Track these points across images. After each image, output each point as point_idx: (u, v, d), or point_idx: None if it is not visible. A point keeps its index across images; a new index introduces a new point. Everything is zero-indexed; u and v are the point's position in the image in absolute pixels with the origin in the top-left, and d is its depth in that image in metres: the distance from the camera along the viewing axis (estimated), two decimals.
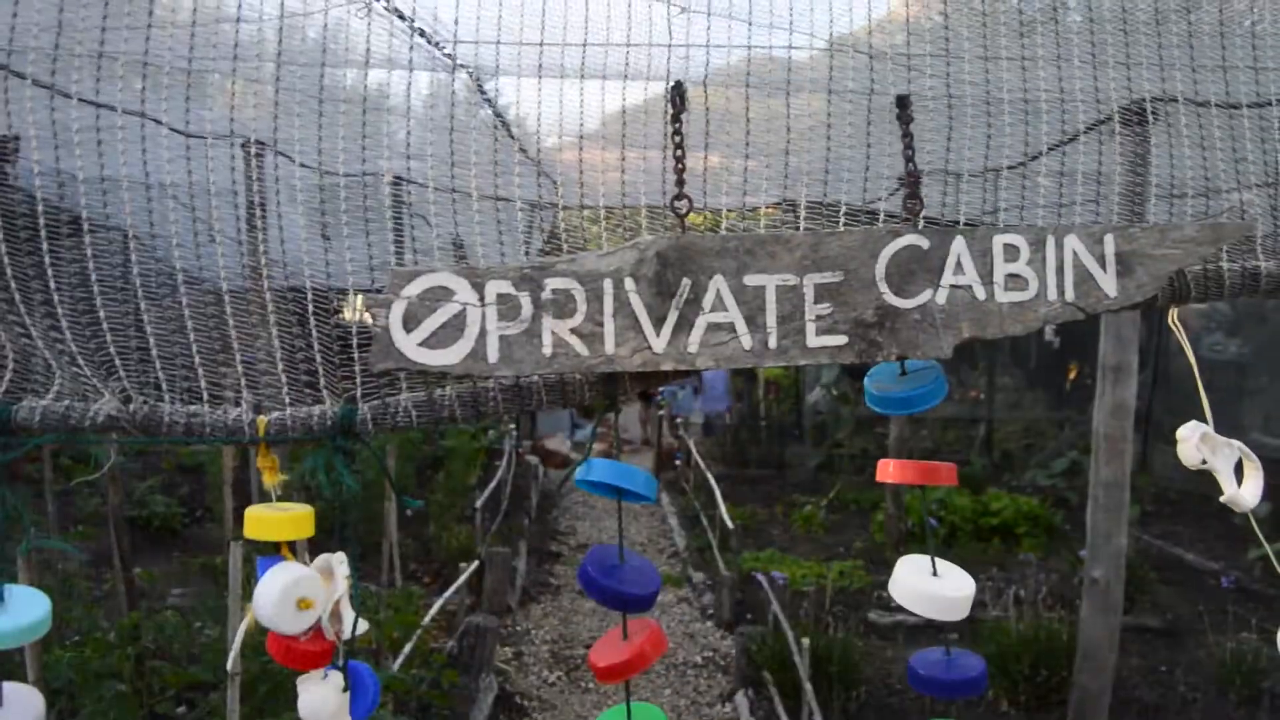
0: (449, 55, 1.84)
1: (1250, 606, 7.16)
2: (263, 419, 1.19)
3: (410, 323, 1.23)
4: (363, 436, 1.21)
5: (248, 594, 4.57)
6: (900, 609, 7.04)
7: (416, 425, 1.21)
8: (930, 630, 6.75)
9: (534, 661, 6.77)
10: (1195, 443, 1.33)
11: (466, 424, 1.23)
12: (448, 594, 6.15)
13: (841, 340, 1.21)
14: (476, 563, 6.93)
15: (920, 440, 12.66)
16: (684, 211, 1.31)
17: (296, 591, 1.15)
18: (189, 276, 1.37)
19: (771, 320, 1.20)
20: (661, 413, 12.87)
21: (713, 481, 8.99)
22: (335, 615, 1.21)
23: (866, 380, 1.39)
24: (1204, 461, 1.34)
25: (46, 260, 1.31)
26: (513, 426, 11.83)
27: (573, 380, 1.24)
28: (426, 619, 5.55)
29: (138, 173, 1.58)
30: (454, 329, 1.21)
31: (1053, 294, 1.23)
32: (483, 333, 1.20)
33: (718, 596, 7.56)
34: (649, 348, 1.20)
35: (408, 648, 5.04)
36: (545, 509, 11.12)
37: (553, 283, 1.22)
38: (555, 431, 14.60)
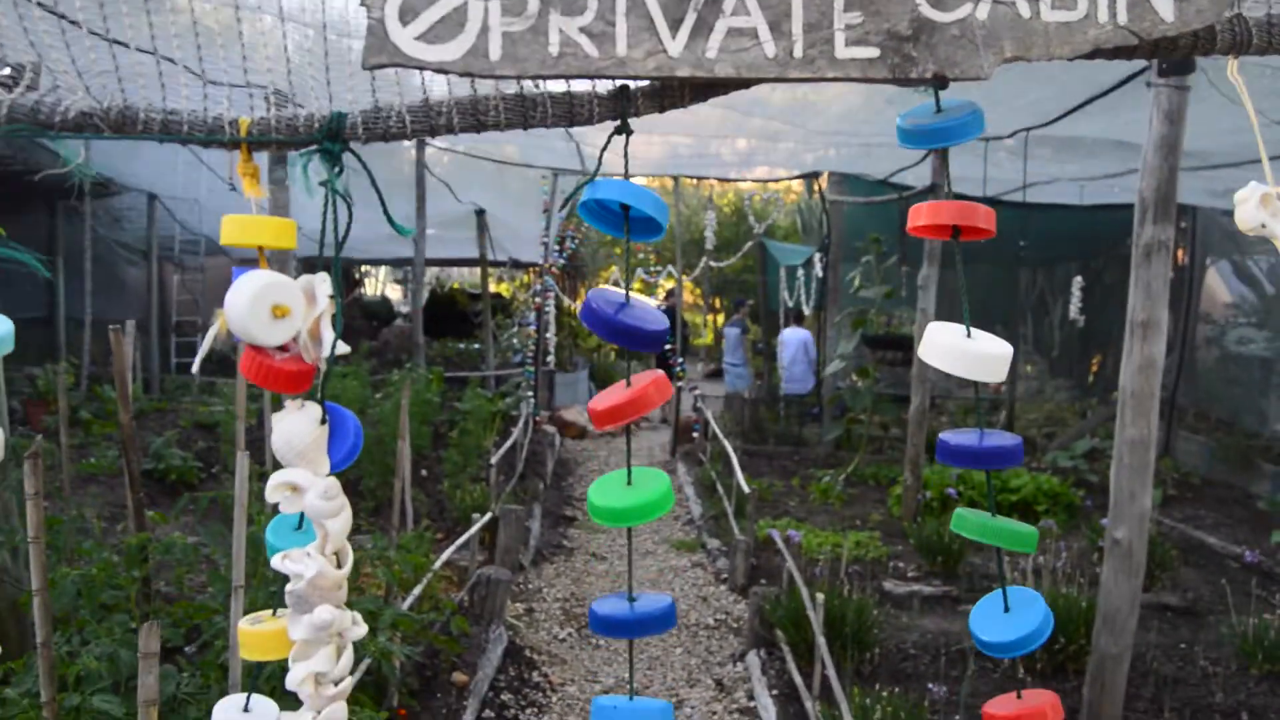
0: None
1: (1273, 589, 7.03)
2: (245, 119, 1.11)
3: (407, 15, 1.13)
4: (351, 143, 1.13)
5: (251, 509, 4.50)
6: (916, 579, 6.93)
7: (411, 133, 1.12)
8: (948, 600, 6.66)
9: (545, 618, 6.71)
10: (1255, 204, 1.22)
11: (465, 132, 1.12)
12: (460, 542, 6.10)
13: (873, 53, 1.12)
14: (489, 515, 6.87)
15: (940, 425, 12.54)
16: None
17: (271, 296, 1.06)
18: None
19: (797, 27, 1.11)
20: (681, 383, 12.78)
21: (730, 449, 8.91)
22: (315, 338, 1.13)
23: (899, 119, 1.29)
24: (1263, 226, 1.23)
25: None
26: (530, 394, 11.78)
27: (581, 98, 1.15)
28: (437, 564, 5.49)
29: None
30: (454, 23, 1.11)
31: (1103, 15, 1.14)
32: (485, 29, 1.10)
33: (732, 561, 7.47)
34: (664, 51, 1.11)
35: (417, 590, 4.98)
36: (561, 476, 11.06)
37: None
38: (573, 403, 14.53)
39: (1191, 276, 12.26)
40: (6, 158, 11.97)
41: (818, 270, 13.29)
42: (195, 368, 1.32)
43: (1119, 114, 6.31)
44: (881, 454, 11.43)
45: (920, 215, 1.32)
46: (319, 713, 1.22)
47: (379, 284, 29.46)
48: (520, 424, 10.20)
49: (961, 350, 1.31)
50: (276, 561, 1.21)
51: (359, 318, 22.57)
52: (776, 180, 13.12)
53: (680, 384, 12.75)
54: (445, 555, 5.67)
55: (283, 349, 1.13)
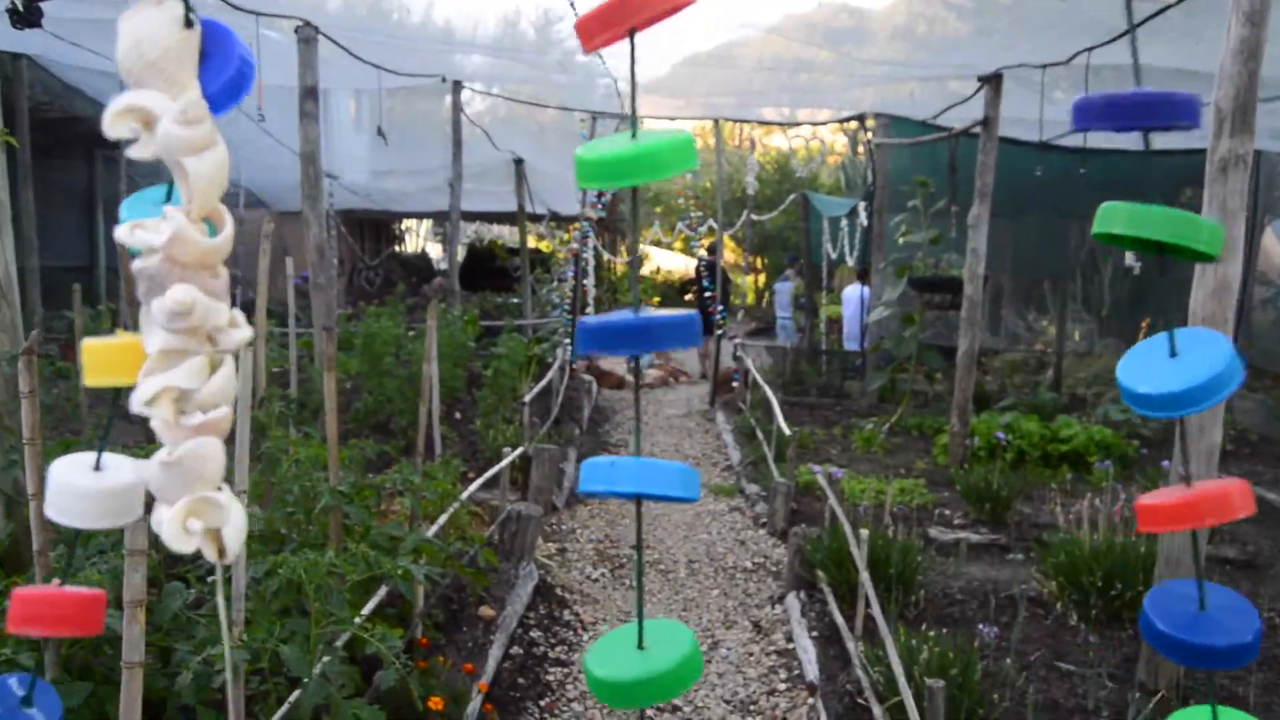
0: None
1: None
2: None
3: None
4: None
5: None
6: (962, 525, 6.66)
7: None
8: (995, 548, 6.41)
9: (578, 558, 6.55)
10: None
11: None
12: (489, 475, 5.91)
13: None
14: (520, 449, 6.68)
15: (984, 382, 12.22)
16: None
17: None
18: None
19: None
20: (720, 332, 12.52)
21: (770, 394, 8.68)
22: None
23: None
24: None
25: None
26: (567, 340, 11.59)
27: None
28: (465, 494, 5.31)
29: None
30: None
31: None
32: None
33: (771, 505, 7.26)
34: None
35: (442, 519, 4.80)
36: (598, 423, 10.88)
37: None
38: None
39: (1251, 234, 11.80)
40: (45, 104, 11.90)
41: (862, 220, 12.94)
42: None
43: (1190, 33, 5.93)
44: (926, 406, 11.13)
45: None
46: (175, 449, 0.85)
47: (419, 240, 29.33)
48: (556, 367, 10.00)
49: None
50: (124, 234, 0.86)
51: (398, 272, 22.47)
52: (820, 124, 12.77)
53: (720, 332, 12.50)
54: (473, 487, 5.49)
55: None
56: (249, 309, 15.13)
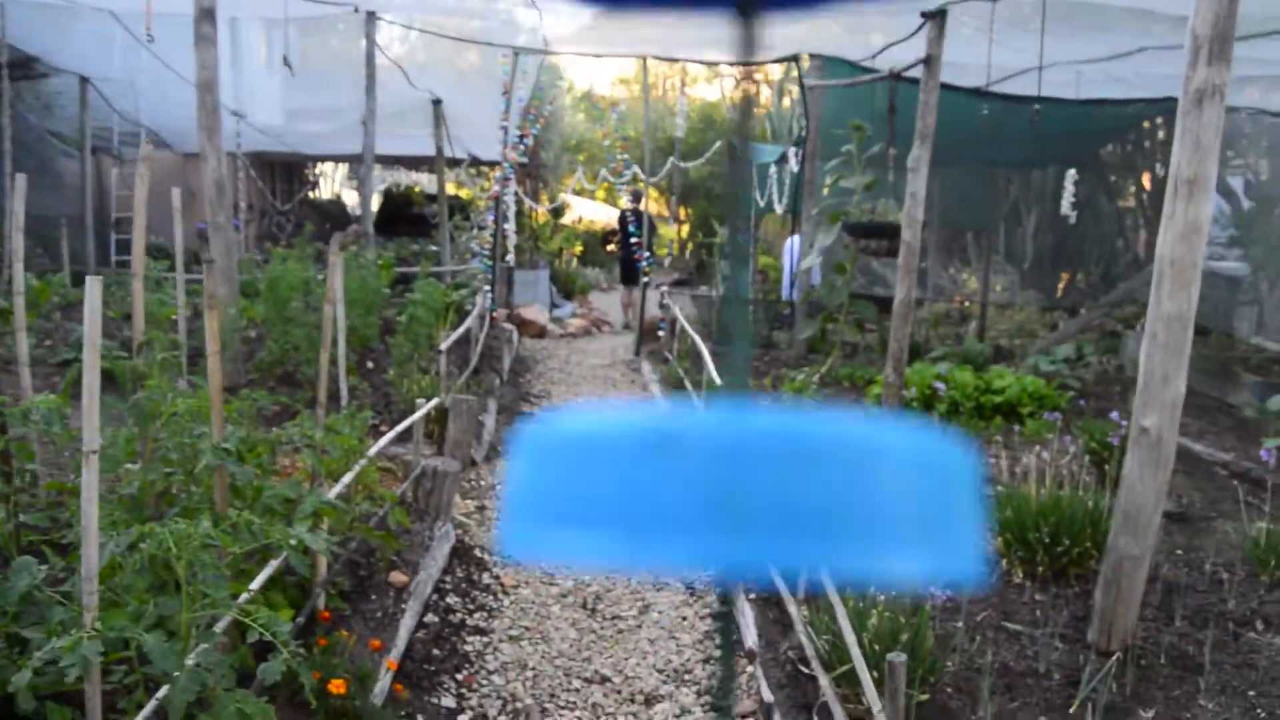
0: None
1: (1263, 496, 6.62)
2: None
3: None
4: None
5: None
6: None
7: None
8: None
9: (498, 516, 6.13)
10: None
11: None
12: (401, 428, 5.45)
13: None
14: (436, 400, 6.23)
15: (912, 335, 12.03)
16: None
17: None
18: None
19: None
20: (647, 279, 12.11)
21: (700, 343, 8.34)
22: None
23: None
24: None
25: None
26: (487, 288, 11.08)
27: None
28: (373, 450, 4.84)
29: None
30: None
31: None
32: None
33: None
34: None
35: (347, 477, 4.35)
36: (519, 373, 10.44)
37: None
38: (533, 302, 13.86)
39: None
40: None
41: (792, 166, 12.56)
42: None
43: None
44: (854, 356, 10.89)
45: None
46: None
47: (334, 185, 28.24)
48: (475, 315, 9.51)
49: None
50: None
51: (311, 217, 21.57)
52: (751, 63, 12.35)
53: (646, 280, 12.09)
54: (384, 441, 5.03)
55: None
56: (158, 252, 14.35)
